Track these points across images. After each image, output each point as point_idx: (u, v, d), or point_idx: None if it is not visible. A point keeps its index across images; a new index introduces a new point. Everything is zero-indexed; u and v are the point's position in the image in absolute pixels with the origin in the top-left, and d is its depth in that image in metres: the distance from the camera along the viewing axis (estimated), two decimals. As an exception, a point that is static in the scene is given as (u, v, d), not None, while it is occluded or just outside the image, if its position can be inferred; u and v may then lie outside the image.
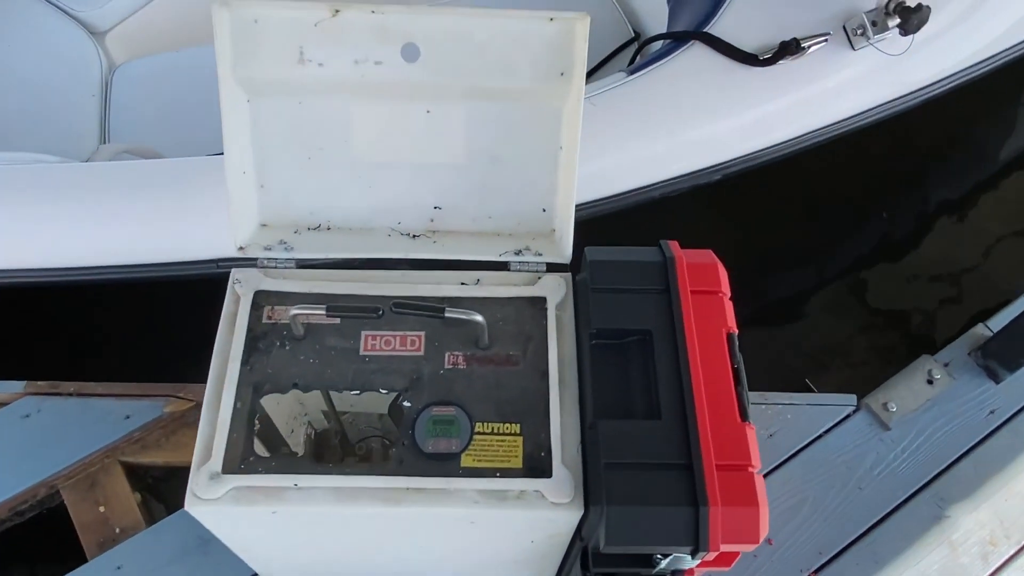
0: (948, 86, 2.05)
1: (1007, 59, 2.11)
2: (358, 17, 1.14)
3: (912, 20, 1.76)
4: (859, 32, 1.84)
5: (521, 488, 1.10)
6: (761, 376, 2.34)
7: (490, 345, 1.21)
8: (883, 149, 2.71)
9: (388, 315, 1.16)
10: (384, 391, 1.18)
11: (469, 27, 1.15)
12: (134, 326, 2.27)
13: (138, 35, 2.51)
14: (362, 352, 1.21)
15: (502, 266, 1.30)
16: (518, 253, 1.30)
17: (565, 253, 1.30)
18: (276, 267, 1.29)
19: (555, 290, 1.26)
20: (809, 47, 1.82)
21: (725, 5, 1.89)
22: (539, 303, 1.25)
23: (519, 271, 1.30)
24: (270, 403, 1.23)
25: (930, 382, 1.98)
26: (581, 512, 1.10)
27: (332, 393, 1.41)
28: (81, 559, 1.76)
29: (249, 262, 1.28)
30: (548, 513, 1.09)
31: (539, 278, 1.28)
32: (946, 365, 2.02)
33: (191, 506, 1.08)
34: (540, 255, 1.30)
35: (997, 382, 2.00)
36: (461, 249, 1.31)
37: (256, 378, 1.18)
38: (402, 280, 1.28)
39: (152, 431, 1.85)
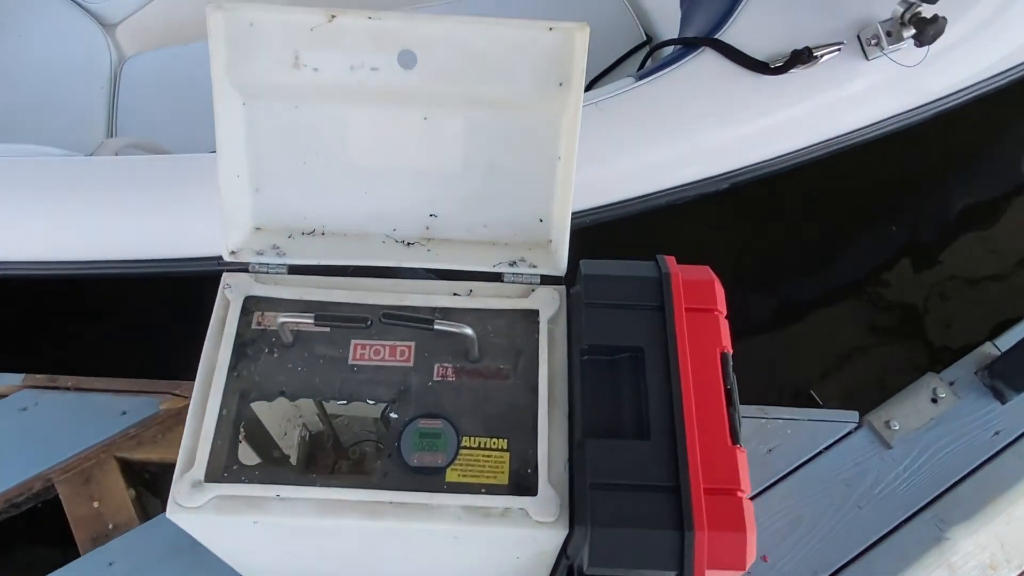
0: (963, 98, 2.01)
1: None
2: (354, 23, 1.13)
3: (928, 31, 1.73)
4: (873, 42, 1.81)
5: (506, 505, 1.08)
6: (764, 387, 2.33)
7: (480, 358, 1.20)
8: (893, 160, 2.67)
9: (378, 325, 1.15)
10: (372, 402, 1.17)
11: (466, 35, 1.14)
12: (134, 321, 2.28)
13: (149, 28, 2.51)
14: (351, 361, 1.19)
15: (496, 277, 1.28)
16: (512, 264, 1.28)
17: (560, 266, 1.28)
18: (268, 272, 1.28)
19: (548, 303, 1.24)
20: (822, 56, 1.79)
21: (737, 11, 1.86)
22: (532, 316, 1.24)
23: (512, 283, 1.28)
24: (262, 405, 1.22)
25: (934, 400, 1.95)
26: (566, 532, 1.08)
27: (323, 399, 1.40)
28: (76, 552, 1.76)
29: (240, 267, 1.28)
30: (532, 532, 1.08)
31: (533, 290, 1.27)
32: (951, 384, 1.99)
33: (172, 514, 1.08)
34: (535, 267, 1.28)
35: (1003, 403, 1.97)
36: (455, 259, 1.29)
37: (243, 385, 1.17)
38: (394, 289, 1.26)
39: (148, 427, 1.85)
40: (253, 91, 1.19)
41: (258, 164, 1.25)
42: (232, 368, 1.18)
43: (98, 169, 1.74)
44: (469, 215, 1.31)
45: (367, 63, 1.16)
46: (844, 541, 1.79)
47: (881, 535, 1.80)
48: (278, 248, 1.28)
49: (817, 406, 2.30)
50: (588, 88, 2.31)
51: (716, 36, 1.83)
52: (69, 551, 1.76)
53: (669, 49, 2.02)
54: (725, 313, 1.21)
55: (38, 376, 1.92)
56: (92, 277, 1.76)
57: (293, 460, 1.52)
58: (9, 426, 1.85)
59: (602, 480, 1.05)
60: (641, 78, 1.84)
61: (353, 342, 1.21)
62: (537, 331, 1.22)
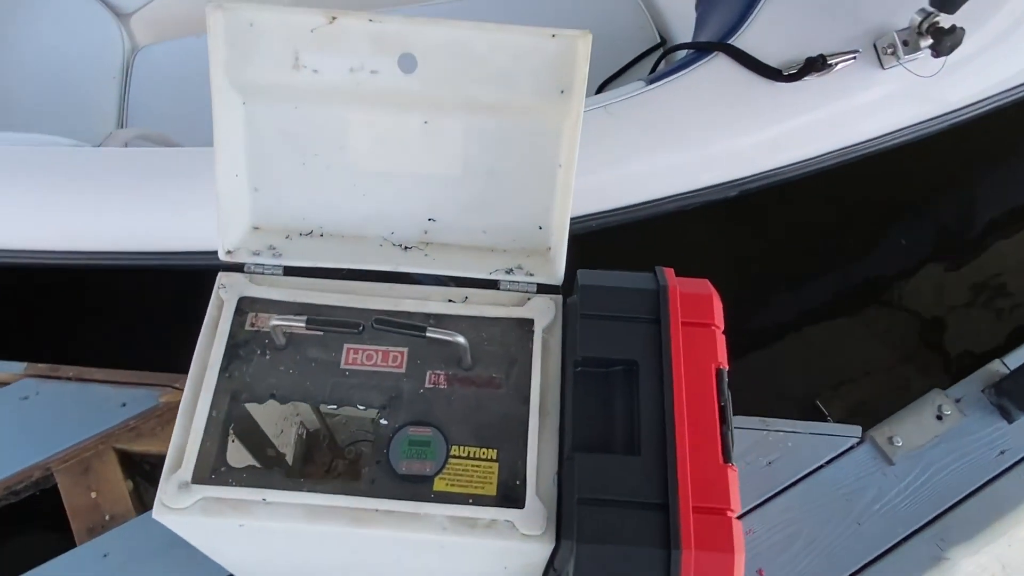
0: (980, 110, 1.98)
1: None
2: (355, 25, 1.12)
3: (945, 42, 1.70)
4: (889, 51, 1.78)
5: (492, 517, 1.08)
6: (769, 397, 2.30)
7: (473, 366, 1.19)
8: (906, 171, 2.63)
9: (371, 330, 1.14)
10: (362, 407, 1.16)
11: (468, 40, 1.13)
12: (137, 313, 2.29)
13: (163, 18, 2.51)
14: (343, 365, 1.19)
15: (492, 284, 1.27)
16: (509, 272, 1.27)
17: (557, 275, 1.27)
18: (263, 273, 1.27)
19: (544, 313, 1.23)
20: (836, 64, 1.76)
21: (752, 17, 1.84)
22: (526, 325, 1.22)
23: (508, 291, 1.27)
24: (256, 405, 1.22)
25: (939, 418, 1.92)
26: (552, 545, 1.07)
27: (317, 400, 1.40)
28: (73, 542, 1.77)
29: (236, 267, 1.27)
30: (518, 544, 1.07)
31: (529, 299, 1.25)
32: (957, 401, 1.96)
33: (158, 514, 1.08)
34: (531, 275, 1.27)
35: (1010, 422, 1.93)
36: (452, 265, 1.28)
37: (234, 386, 1.17)
38: (388, 294, 1.26)
39: (147, 420, 1.86)
40: (253, 91, 1.19)
41: (257, 164, 1.25)
42: (224, 369, 1.17)
43: (106, 160, 1.74)
44: (468, 220, 1.30)
45: (367, 66, 1.15)
46: (842, 557, 1.77)
47: (880, 552, 1.78)
48: (274, 249, 1.28)
49: (823, 416, 2.28)
50: (599, 90, 2.29)
51: (730, 41, 1.81)
52: (66, 540, 1.76)
53: (683, 53, 1.99)
54: (723, 328, 1.19)
55: (40, 365, 1.93)
56: (97, 268, 1.76)
57: (289, 459, 1.52)
58: (10, 415, 1.86)
59: (590, 495, 1.04)
60: (652, 82, 1.82)
61: (346, 346, 1.20)
62: (531, 340, 1.21)
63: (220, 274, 1.25)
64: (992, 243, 2.76)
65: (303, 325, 1.13)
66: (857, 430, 1.93)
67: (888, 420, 1.93)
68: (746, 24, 1.83)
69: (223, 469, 1.11)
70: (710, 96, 1.80)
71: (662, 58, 2.30)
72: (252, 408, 1.26)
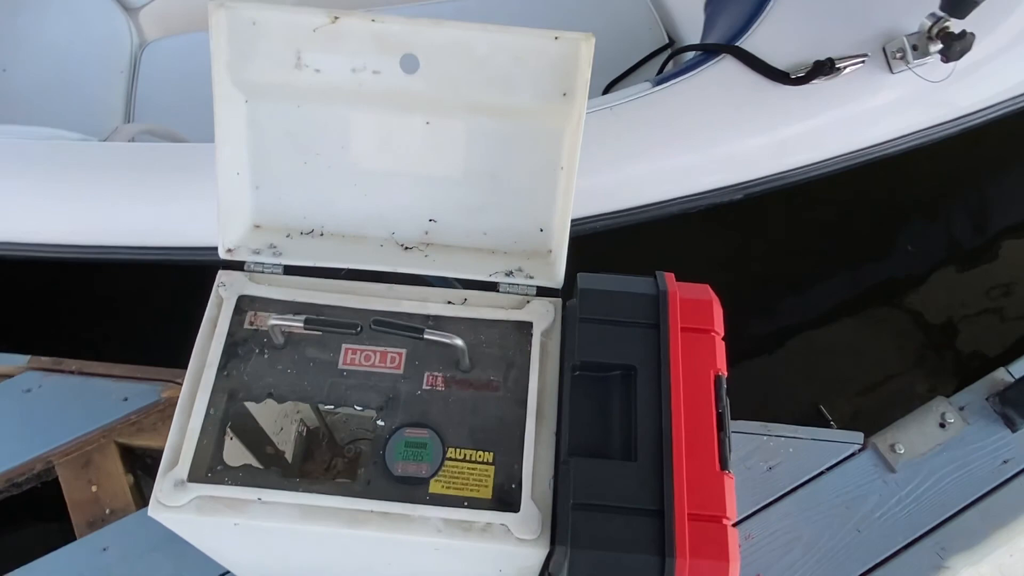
0: (989, 116, 1.96)
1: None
2: (357, 25, 1.12)
3: (955, 47, 1.68)
4: (898, 56, 1.76)
5: (487, 520, 1.07)
6: (771, 402, 2.29)
7: (471, 368, 1.19)
8: (913, 177, 2.61)
9: (369, 331, 1.14)
10: (359, 408, 1.16)
11: (470, 41, 1.12)
12: (140, 308, 2.29)
13: (171, 13, 2.52)
14: (341, 366, 1.19)
15: (492, 286, 1.27)
16: (509, 274, 1.27)
17: (557, 278, 1.26)
18: (263, 271, 1.27)
19: (543, 316, 1.23)
20: (844, 68, 1.74)
21: (760, 19, 1.82)
22: (525, 328, 1.22)
23: (508, 293, 1.26)
24: (255, 403, 1.22)
25: (942, 425, 1.91)
26: (547, 550, 1.07)
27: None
28: (73, 534, 1.78)
29: (236, 265, 1.27)
30: (513, 548, 1.07)
31: (528, 302, 1.25)
32: (961, 409, 1.94)
33: (154, 512, 1.08)
34: (531, 278, 1.26)
35: (1014, 431, 1.92)
36: (452, 266, 1.28)
37: (232, 385, 1.17)
38: (388, 294, 1.25)
39: (149, 414, 1.86)
40: (255, 90, 1.19)
41: (258, 162, 1.25)
42: (222, 367, 1.18)
43: (112, 154, 1.74)
44: (469, 222, 1.29)
45: (369, 66, 1.15)
46: (841, 564, 1.76)
47: (879, 560, 1.77)
48: (275, 248, 1.28)
49: (826, 421, 2.27)
50: (606, 90, 2.28)
51: (738, 43, 1.80)
52: (66, 533, 1.77)
53: (691, 54, 1.98)
54: (723, 334, 1.18)
55: (43, 359, 1.94)
56: (102, 262, 1.76)
57: (288, 456, 1.52)
58: (12, 407, 1.87)
59: (585, 500, 1.04)
60: (658, 83, 1.81)
61: (344, 347, 1.20)
62: (530, 343, 1.21)
63: (220, 272, 1.25)
64: (999, 249, 2.74)
65: (301, 325, 1.13)
66: (859, 437, 1.92)
67: (891, 427, 1.92)
68: (754, 26, 1.82)
69: (219, 468, 1.11)
70: (717, 98, 1.79)
71: (670, 59, 2.29)
72: (251, 405, 1.26)
